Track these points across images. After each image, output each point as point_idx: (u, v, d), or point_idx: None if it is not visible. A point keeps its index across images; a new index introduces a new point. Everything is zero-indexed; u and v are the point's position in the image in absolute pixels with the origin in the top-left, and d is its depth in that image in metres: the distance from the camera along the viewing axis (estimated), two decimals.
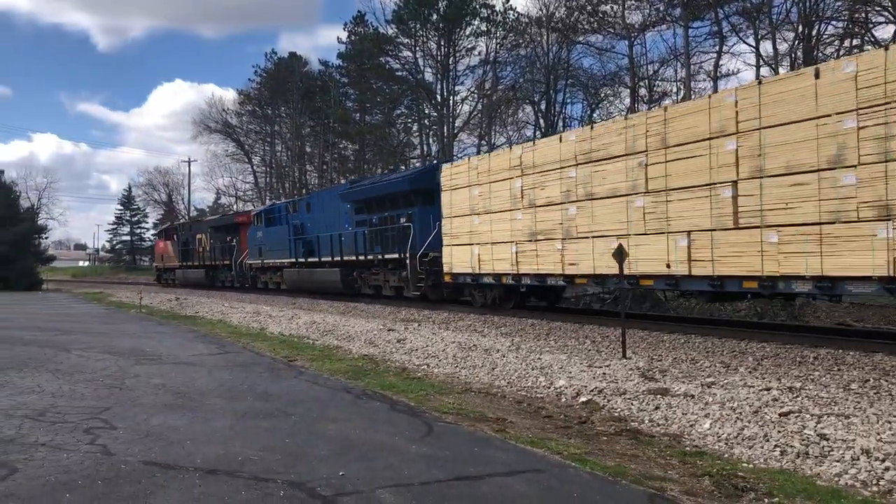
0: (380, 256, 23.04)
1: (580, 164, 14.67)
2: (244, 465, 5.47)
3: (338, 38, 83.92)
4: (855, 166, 9.76)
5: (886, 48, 9.74)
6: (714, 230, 11.77)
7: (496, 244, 17.22)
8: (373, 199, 24.05)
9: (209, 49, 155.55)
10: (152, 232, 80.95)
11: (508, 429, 6.89)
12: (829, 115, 10.07)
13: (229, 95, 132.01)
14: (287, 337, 15.37)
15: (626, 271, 12.28)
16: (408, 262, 21.10)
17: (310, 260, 27.98)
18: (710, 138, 11.83)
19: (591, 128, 14.91)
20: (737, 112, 11.39)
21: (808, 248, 10.32)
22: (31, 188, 79.41)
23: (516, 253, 16.51)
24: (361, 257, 24.16)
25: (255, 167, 68.66)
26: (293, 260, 29.19)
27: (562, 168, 15.17)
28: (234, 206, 66.77)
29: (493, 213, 17.34)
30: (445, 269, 19.28)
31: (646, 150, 13.09)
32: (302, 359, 11.78)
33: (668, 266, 12.68)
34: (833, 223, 10.01)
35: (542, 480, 5.18)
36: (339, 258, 25.63)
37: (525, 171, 16.25)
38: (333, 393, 8.64)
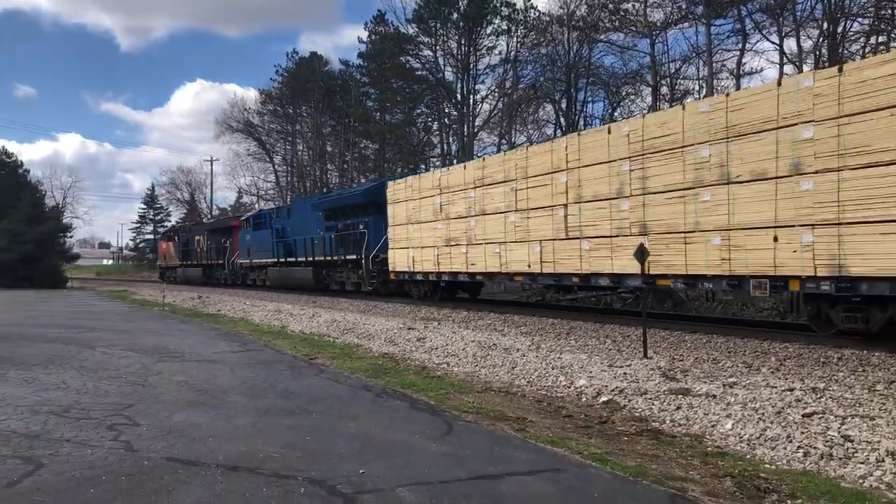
0: (343, 257, 26.95)
1: (477, 187, 18.82)
2: (265, 462, 5.51)
3: (358, 37, 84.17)
4: (628, 197, 13.94)
5: (644, 115, 14.36)
6: (555, 240, 15.92)
7: (424, 248, 21.33)
8: (338, 209, 28.05)
9: (231, 49, 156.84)
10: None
11: (528, 428, 6.88)
12: (615, 160, 14.22)
13: (251, 95, 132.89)
14: (308, 335, 15.45)
15: (502, 269, 17.59)
16: (363, 262, 25.17)
17: (288, 260, 32.09)
18: (551, 172, 15.96)
19: (483, 160, 19.25)
20: (566, 154, 15.48)
21: (606, 254, 14.52)
22: (57, 187, 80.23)
23: (437, 255, 20.63)
24: (329, 258, 28.14)
25: (276, 166, 69.01)
26: (275, 260, 33.31)
27: (465, 189, 19.35)
28: (256, 205, 67.21)
29: (422, 223, 21.45)
30: (390, 268, 23.24)
31: (515, 179, 17.17)
32: (322, 357, 11.84)
33: (529, 266, 16.70)
34: (618, 236, 14.22)
35: (563, 480, 5.17)
36: (311, 258, 29.63)
37: (443, 190, 20.41)
38: (354, 391, 8.67)
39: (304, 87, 58.65)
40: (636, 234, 13.71)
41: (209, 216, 70.71)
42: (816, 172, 10.55)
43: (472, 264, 18.93)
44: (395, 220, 23.05)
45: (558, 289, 18.31)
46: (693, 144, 12.60)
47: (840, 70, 10.42)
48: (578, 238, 15.18)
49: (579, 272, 15.20)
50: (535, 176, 16.49)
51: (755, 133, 11.49)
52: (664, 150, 13.18)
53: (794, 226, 10.91)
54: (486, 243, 18.32)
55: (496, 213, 17.94)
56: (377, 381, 9.41)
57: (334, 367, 10.73)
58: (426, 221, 21.20)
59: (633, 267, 12.82)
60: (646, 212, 13.57)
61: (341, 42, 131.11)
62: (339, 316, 19.00)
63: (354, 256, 25.98)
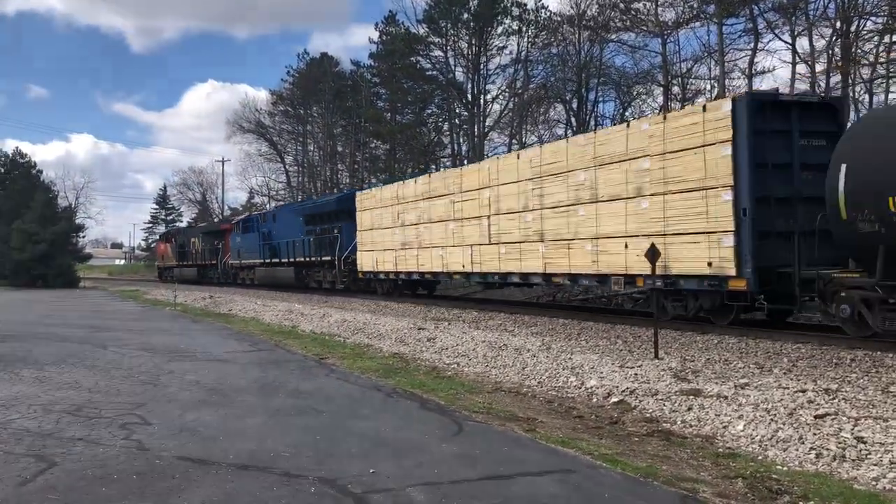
0: (320, 258, 30.10)
1: (425, 199, 22.27)
2: (276, 461, 5.53)
3: (369, 38, 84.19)
4: (531, 210, 17.02)
5: (541, 146, 17.72)
6: (481, 245, 19.21)
7: (385, 251, 24.67)
8: (316, 215, 31.23)
9: (242, 49, 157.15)
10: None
11: (539, 428, 6.87)
12: (522, 181, 17.41)
13: (262, 95, 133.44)
14: (319, 335, 15.48)
15: (444, 269, 21.29)
16: (336, 263, 28.34)
17: (273, 260, 35.15)
18: (479, 189, 19.34)
19: (430, 175, 22.96)
20: (489, 175, 18.88)
21: (516, 256, 17.68)
22: (69, 188, 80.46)
23: (395, 257, 23.98)
24: (308, 259, 31.20)
25: (287, 167, 69.09)
26: (262, 260, 36.49)
27: (416, 201, 22.71)
28: (267, 205, 67.44)
29: (383, 228, 24.83)
30: (359, 268, 26.68)
31: (453, 193, 20.63)
32: (333, 357, 11.86)
33: (463, 266, 20.07)
34: (524, 242, 17.32)
35: (573, 481, 5.16)
36: (293, 259, 32.72)
37: (399, 201, 23.82)
38: (364, 391, 8.68)
39: (314, 88, 58.73)
40: (536, 241, 16.95)
41: (220, 216, 71.03)
42: (651, 195, 13.64)
43: (422, 265, 22.48)
44: (363, 226, 26.47)
45: (485, 285, 22.89)
46: (573, 171, 15.74)
47: (664, 118, 13.62)
48: (497, 244, 18.56)
49: (499, 272, 18.67)
50: (468, 191, 19.96)
51: (614, 163, 14.59)
52: (555, 174, 16.33)
53: (637, 236, 13.91)
54: (431, 247, 21.87)
55: (440, 222, 21.41)
56: (387, 381, 9.42)
57: (345, 366, 10.75)
58: (386, 227, 24.68)
59: (535, 267, 17.04)
60: (543, 223, 16.72)
61: (352, 42, 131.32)
62: (350, 316, 19.03)
63: (329, 258, 29.15)
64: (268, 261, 35.75)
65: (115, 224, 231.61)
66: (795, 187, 12.38)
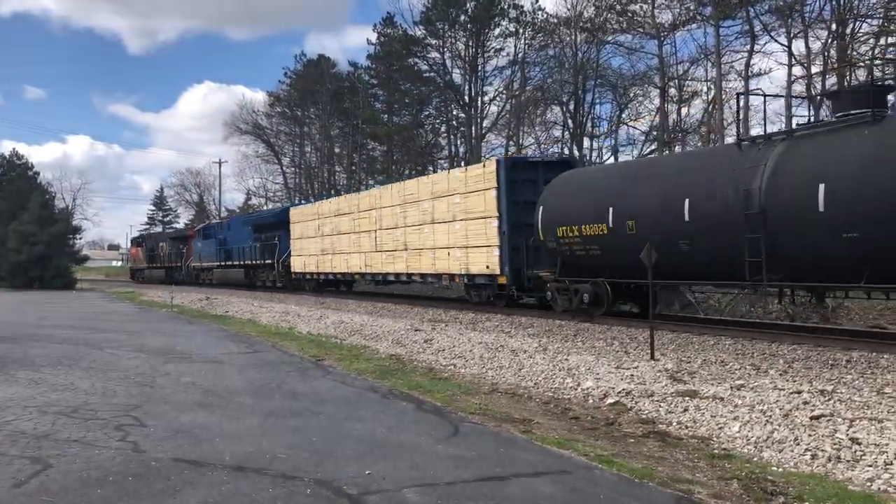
0: (263, 261, 36.15)
1: (336, 216, 28.59)
2: (272, 462, 5.52)
3: (367, 39, 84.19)
4: (399, 228, 23.31)
5: (404, 182, 24.25)
6: (371, 252, 25.40)
7: (311, 255, 31.04)
8: (261, 225, 37.86)
9: (238, 51, 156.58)
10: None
11: (535, 430, 6.88)
12: (395, 205, 23.59)
13: (258, 96, 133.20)
14: (315, 336, 15.47)
15: (348, 271, 27.73)
16: (276, 265, 34.60)
17: (227, 263, 40.96)
18: (369, 210, 25.66)
19: (339, 198, 30.05)
20: (377, 199, 25.29)
21: (391, 261, 23.90)
22: (66, 189, 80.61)
23: (317, 261, 30.37)
24: (255, 262, 37.22)
25: (284, 168, 69.01)
26: (218, 263, 42.17)
27: (330, 217, 29.19)
28: (265, 207, 67.55)
29: (309, 238, 31.23)
30: (292, 269, 32.96)
31: (354, 212, 26.99)
32: (330, 358, 11.86)
33: (360, 268, 26.44)
34: (395, 251, 23.52)
35: (569, 482, 5.17)
36: (243, 262, 38.61)
37: (320, 216, 30.21)
38: (360, 392, 8.68)
39: (312, 89, 58.69)
40: (402, 249, 23.31)
41: (218, 217, 71.14)
42: (461, 220, 20.05)
43: (335, 267, 28.87)
44: (294, 236, 32.75)
45: (376, 282, 28.13)
46: (421, 200, 22.26)
47: (466, 170, 20.59)
48: (381, 251, 24.70)
49: (382, 272, 25.02)
50: (363, 211, 26.31)
51: (442, 197, 21.01)
52: (412, 202, 22.83)
53: (454, 247, 20.39)
54: (340, 253, 28.15)
55: (345, 234, 27.72)
56: (384, 382, 9.42)
57: (341, 368, 10.75)
58: (311, 237, 31.03)
59: (402, 269, 23.50)
60: (406, 237, 23.12)
61: (348, 43, 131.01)
62: (347, 317, 19.03)
63: (270, 261, 35.23)
64: (223, 263, 41.64)
65: (112, 226, 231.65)
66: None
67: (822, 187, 10.62)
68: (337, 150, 60.46)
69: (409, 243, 22.80)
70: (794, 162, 11.35)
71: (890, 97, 15.90)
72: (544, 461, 5.70)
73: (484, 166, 19.53)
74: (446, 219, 20.63)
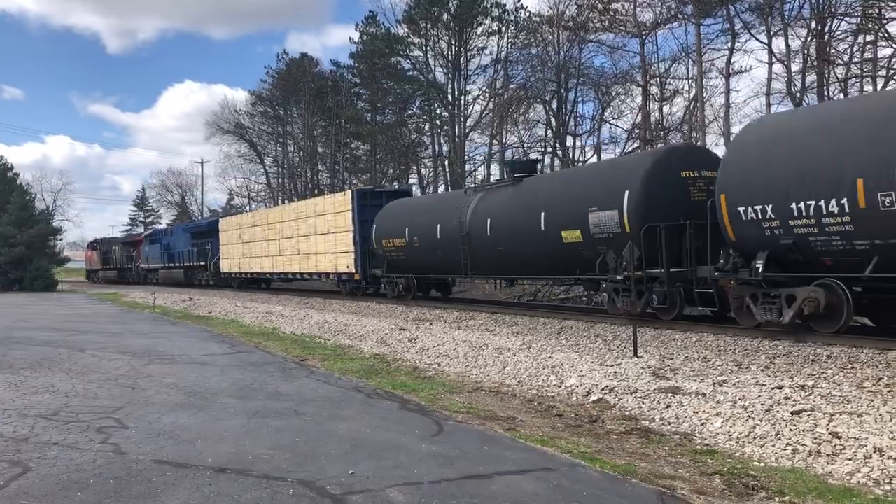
0: (199, 263, 42.25)
1: (252, 226, 35.12)
2: (255, 463, 5.50)
3: (349, 38, 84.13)
4: (294, 237, 30.21)
5: (297, 201, 38.17)
6: (277, 256, 31.77)
7: (234, 259, 37.44)
8: (198, 232, 43.91)
9: (218, 50, 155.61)
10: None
11: (519, 427, 6.89)
12: (291, 220, 30.61)
13: (240, 96, 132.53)
14: (299, 336, 15.42)
15: (261, 270, 34.30)
16: (209, 266, 40.82)
17: (171, 265, 47.09)
18: (275, 223, 32.20)
19: (255, 212, 38.84)
20: (279, 214, 32.54)
21: (289, 262, 30.63)
22: (46, 190, 79.83)
23: (239, 263, 36.79)
24: (193, 263, 43.46)
25: (267, 167, 68.67)
26: (163, 265, 48.12)
27: (247, 227, 35.71)
28: (247, 207, 67.30)
29: (233, 244, 37.50)
30: (221, 270, 38.98)
31: (264, 224, 33.33)
32: (314, 358, 11.82)
33: (269, 269, 32.99)
34: (292, 255, 30.26)
35: (552, 479, 5.18)
36: (183, 264, 45.03)
37: (241, 226, 36.90)
38: (345, 392, 8.66)
39: (294, 89, 58.44)
40: (296, 254, 30.00)
41: (199, 218, 70.88)
42: (333, 233, 26.65)
43: (251, 269, 35.37)
44: (222, 242, 39.02)
45: (282, 280, 34.71)
46: (308, 217, 29.02)
47: (335, 196, 27.60)
48: (282, 255, 31.35)
49: (284, 272, 31.71)
50: (270, 223, 32.97)
51: (322, 215, 27.72)
52: (303, 218, 29.49)
53: (328, 253, 27.10)
54: (255, 257, 34.61)
55: (259, 241, 34.00)
56: (368, 381, 9.41)
57: (325, 368, 10.72)
58: (234, 243, 37.36)
59: (297, 269, 30.13)
60: (299, 245, 29.83)
61: (330, 42, 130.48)
62: (331, 317, 18.98)
63: (204, 263, 41.50)
64: (167, 265, 47.54)
65: (94, 226, 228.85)
66: None
67: (489, 220, 18.29)
68: (320, 149, 60.24)
69: (301, 249, 29.69)
70: (481, 204, 18.93)
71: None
72: (528, 459, 5.71)
73: (345, 195, 27.06)
74: (324, 231, 27.68)
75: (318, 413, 7.41)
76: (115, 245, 63.29)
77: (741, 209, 11.62)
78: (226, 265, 38.36)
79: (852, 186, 10.07)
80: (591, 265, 14.99)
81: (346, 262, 25.84)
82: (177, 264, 45.89)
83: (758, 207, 11.38)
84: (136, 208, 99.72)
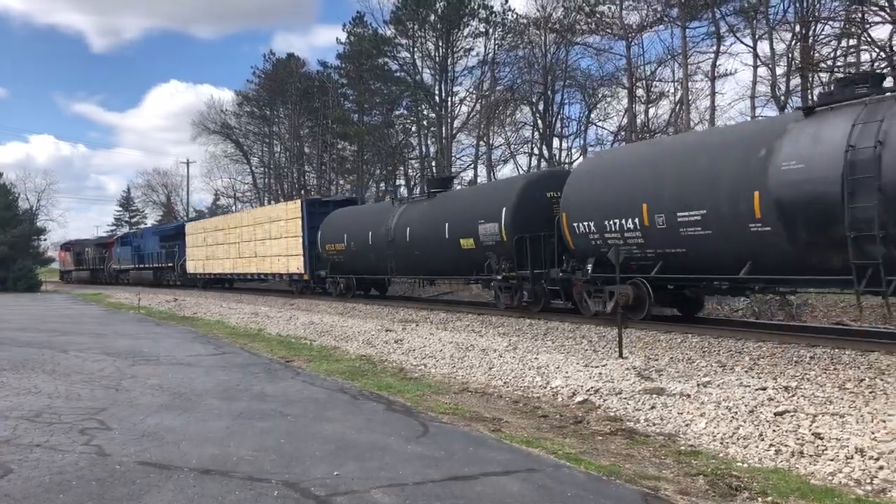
0: (167, 264, 45.27)
1: (216, 230, 37.83)
2: (239, 465, 5.48)
3: (336, 38, 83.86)
4: (252, 241, 33.26)
5: (253, 209, 47.84)
6: (237, 258, 34.91)
7: (199, 260, 40.17)
8: (166, 235, 46.86)
9: (204, 49, 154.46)
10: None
11: (504, 428, 6.90)
12: (249, 225, 33.88)
13: (226, 96, 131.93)
14: (285, 337, 15.38)
15: (223, 271, 37.51)
16: (176, 267, 43.84)
17: (141, 266, 49.85)
18: (235, 227, 35.29)
19: (217, 217, 44.89)
20: (239, 220, 35.82)
21: (248, 264, 33.74)
22: (30, 189, 79.16)
23: (203, 264, 39.53)
24: (161, 265, 46.42)
25: (253, 168, 68.41)
26: (134, 266, 51.03)
27: (211, 231, 38.59)
28: (233, 207, 67.06)
29: (198, 247, 40.35)
30: (187, 270, 41.94)
31: (226, 229, 36.34)
32: (299, 359, 11.79)
33: (230, 270, 36.07)
34: (251, 257, 33.13)
35: (537, 480, 5.19)
36: (152, 265, 47.95)
37: (205, 230, 39.74)
38: (330, 393, 8.64)
39: (281, 89, 58.25)
40: (255, 256, 32.73)
41: (185, 218, 70.63)
42: (285, 238, 29.56)
43: (215, 269, 38.05)
44: (188, 245, 42.04)
45: (242, 280, 37.47)
46: (264, 223, 31.86)
47: (287, 203, 31.62)
48: (242, 257, 34.16)
49: (243, 272, 34.70)
50: (232, 228, 35.89)
51: (276, 221, 30.62)
52: (260, 224, 32.48)
53: (281, 255, 29.86)
54: (218, 259, 37.35)
55: (221, 244, 36.82)
56: (354, 383, 9.39)
57: (311, 369, 10.69)
58: (199, 246, 40.16)
59: (256, 270, 32.88)
60: (256, 248, 32.64)
61: (317, 43, 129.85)
62: (317, 318, 18.93)
63: (171, 264, 44.59)
64: (137, 266, 50.28)
65: (79, 226, 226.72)
66: None
67: (408, 229, 21.25)
68: (307, 149, 60.08)
69: (258, 252, 32.47)
70: (403, 215, 21.93)
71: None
72: (513, 460, 5.72)
73: (295, 203, 30.14)
74: (277, 236, 30.51)
75: (304, 414, 7.39)
76: (87, 247, 65.56)
77: (576, 224, 14.98)
78: (191, 266, 41.29)
79: (640, 210, 13.35)
80: (482, 267, 18.17)
81: (296, 264, 28.91)
82: (146, 265, 48.73)
83: (586, 223, 14.71)
84: (120, 208, 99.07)
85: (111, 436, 6.44)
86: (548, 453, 5.95)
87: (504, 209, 17.09)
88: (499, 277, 17.56)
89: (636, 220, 13.45)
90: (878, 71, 13.59)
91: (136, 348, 13.39)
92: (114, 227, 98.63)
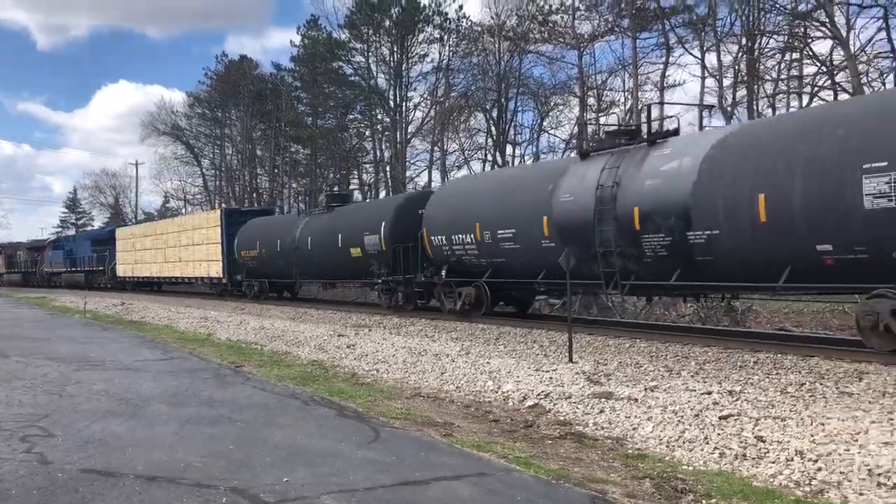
0: (98, 268, 47.35)
1: (143, 236, 40.95)
2: (186, 471, 5.40)
3: (291, 41, 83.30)
4: (176, 246, 35.98)
5: (178, 216, 50.68)
6: (164, 262, 37.68)
7: (128, 264, 42.50)
8: (97, 240, 49.09)
9: (154, 49, 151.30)
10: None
11: (455, 433, 6.93)
12: (175, 232, 36.50)
13: (177, 97, 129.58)
14: (235, 342, 15.19)
15: (150, 275, 40.08)
16: (106, 270, 45.96)
17: (73, 269, 51.65)
18: (162, 234, 38.25)
19: (146, 224, 47.17)
20: (165, 227, 38.71)
21: (174, 268, 36.42)
22: None
23: (132, 267, 41.84)
24: (93, 268, 48.36)
25: (204, 170, 67.43)
26: (66, 269, 52.72)
27: (141, 237, 41.30)
28: (184, 210, 65.98)
29: (127, 251, 42.77)
30: (118, 274, 43.85)
31: (154, 235, 39.34)
32: (249, 365, 11.66)
33: (156, 273, 38.65)
34: (176, 262, 36.09)
35: (487, 484, 5.23)
36: (84, 268, 49.77)
37: (134, 236, 42.80)
38: (281, 399, 8.57)
39: (233, 91, 57.59)
40: (179, 261, 35.20)
41: (134, 220, 69.27)
42: (206, 244, 32.55)
43: (143, 273, 40.47)
44: (118, 249, 44.30)
45: (168, 283, 39.71)
46: (188, 230, 34.56)
47: (207, 213, 38.40)
48: (168, 262, 36.68)
49: (169, 276, 37.24)
50: (158, 234, 38.40)
51: (197, 229, 33.70)
52: (184, 231, 34.93)
53: (203, 260, 32.89)
54: (146, 263, 39.89)
55: (148, 249, 39.53)
56: (305, 388, 9.33)
57: (261, 375, 10.59)
58: (129, 251, 42.70)
59: (180, 273, 35.70)
60: (181, 253, 35.01)
61: (270, 45, 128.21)
62: (268, 323, 18.74)
63: (102, 268, 46.70)
64: (69, 269, 52.04)
65: (23, 228, 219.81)
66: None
67: (310, 238, 24.34)
68: (259, 152, 59.49)
69: (182, 257, 35.00)
70: (307, 226, 24.98)
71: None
72: (464, 464, 5.75)
73: (216, 212, 34.06)
74: (199, 243, 33.13)
75: (254, 420, 7.32)
76: (20, 250, 68.04)
77: (433, 238, 18.22)
78: (121, 270, 43.73)
79: (475, 227, 16.70)
80: (368, 272, 21.10)
81: (216, 269, 31.68)
82: (78, 268, 50.86)
83: (440, 237, 17.99)
84: (67, 210, 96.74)
85: (54, 443, 6.29)
86: (498, 457, 6.00)
87: (384, 223, 20.33)
88: (379, 281, 20.69)
89: (472, 236, 16.83)
90: (632, 125, 17.35)
91: (81, 353, 13.08)
92: (59, 230, 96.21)
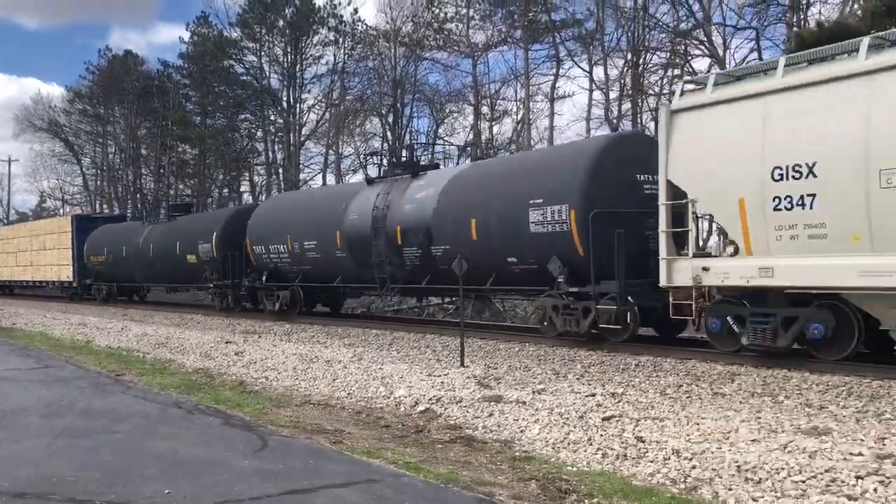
0: None
1: (17, 238, 39.67)
2: (59, 486, 5.13)
3: (179, 37, 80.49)
4: (29, 251, 37.64)
5: (30, 222, 49.16)
6: (15, 266, 38.96)
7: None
8: None
9: (30, 40, 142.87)
10: None
11: (346, 440, 6.88)
12: (27, 237, 38.39)
13: (55, 91, 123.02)
14: (116, 350, 14.54)
15: (5, 278, 40.94)
16: None
17: None
18: (18, 238, 39.85)
19: (5, 227, 53.35)
20: (22, 231, 40.81)
21: (24, 272, 38.11)
22: None
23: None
24: None
25: (84, 169, 64.12)
26: None
27: (6, 241, 41.15)
28: (62, 210, 62.56)
29: None
30: None
31: (6, 239, 41.37)
32: (131, 373, 11.19)
33: (12, 277, 39.82)
34: (31, 266, 37.36)
35: (376, 490, 5.22)
36: None
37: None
38: (164, 408, 8.27)
39: (117, 87, 55.04)
40: (31, 265, 36.29)
41: (6, 220, 65.13)
42: (58, 249, 34.26)
43: (3, 277, 40.88)
44: None
45: (21, 287, 40.67)
46: (40, 235, 35.97)
47: (59, 219, 37.60)
48: (19, 266, 38.25)
49: (20, 279, 38.45)
50: (10, 238, 39.84)
51: (48, 234, 35.13)
52: (36, 236, 36.15)
53: (54, 265, 34.55)
54: (8, 266, 40.07)
55: (10, 253, 39.38)
56: (190, 397, 9.04)
57: (143, 383, 10.18)
58: None
59: (31, 277, 36.90)
60: (33, 258, 36.00)
61: (157, 41, 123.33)
62: (151, 329, 18.03)
63: None
64: None
65: None
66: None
67: (152, 245, 26.26)
68: (144, 151, 57.11)
69: (34, 262, 36.07)
70: (151, 233, 26.80)
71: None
72: (353, 471, 5.72)
73: (67, 218, 35.28)
74: (51, 247, 34.21)
75: (134, 431, 7.03)
76: None
77: (255, 247, 20.82)
78: None
79: (287, 239, 19.32)
80: (202, 277, 23.03)
81: (66, 273, 32.98)
82: None
83: (261, 247, 20.63)
84: None
85: None
86: (388, 463, 5.99)
87: (215, 233, 22.49)
88: (211, 285, 22.88)
89: (286, 246, 19.41)
90: (416, 159, 20.06)
91: None
92: None
